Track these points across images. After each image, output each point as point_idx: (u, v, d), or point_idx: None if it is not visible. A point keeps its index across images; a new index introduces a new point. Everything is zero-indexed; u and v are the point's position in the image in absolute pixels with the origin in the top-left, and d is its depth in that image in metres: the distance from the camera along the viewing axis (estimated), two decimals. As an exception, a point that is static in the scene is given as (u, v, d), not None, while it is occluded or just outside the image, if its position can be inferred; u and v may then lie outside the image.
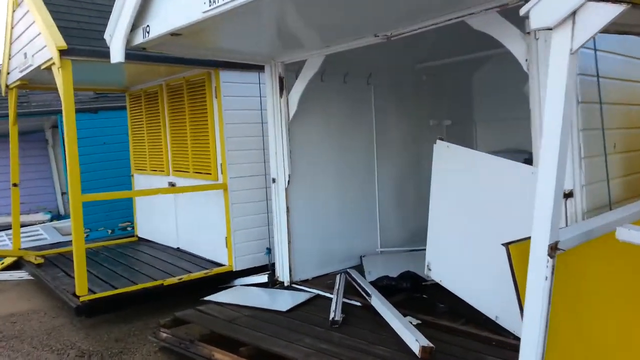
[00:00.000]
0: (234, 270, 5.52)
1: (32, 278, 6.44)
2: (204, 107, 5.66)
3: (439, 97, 6.61)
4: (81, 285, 4.64)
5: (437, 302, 4.18)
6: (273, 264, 5.29)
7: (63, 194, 10.66)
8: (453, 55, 5.95)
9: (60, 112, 8.68)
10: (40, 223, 9.59)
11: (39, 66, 5.15)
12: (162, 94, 6.50)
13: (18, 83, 6.11)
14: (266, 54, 4.82)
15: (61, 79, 4.58)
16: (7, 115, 8.09)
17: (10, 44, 6.12)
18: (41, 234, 8.68)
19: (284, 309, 4.26)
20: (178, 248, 6.61)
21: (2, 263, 6.59)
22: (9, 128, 6.62)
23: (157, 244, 7.04)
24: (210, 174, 5.70)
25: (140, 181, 7.37)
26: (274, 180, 5.09)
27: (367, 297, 4.29)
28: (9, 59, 6.22)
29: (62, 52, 4.58)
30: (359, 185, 5.73)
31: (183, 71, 5.88)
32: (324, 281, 5.10)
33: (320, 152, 5.36)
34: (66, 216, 10.46)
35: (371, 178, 5.88)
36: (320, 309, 4.28)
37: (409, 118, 6.24)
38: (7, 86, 6.50)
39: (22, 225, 9.81)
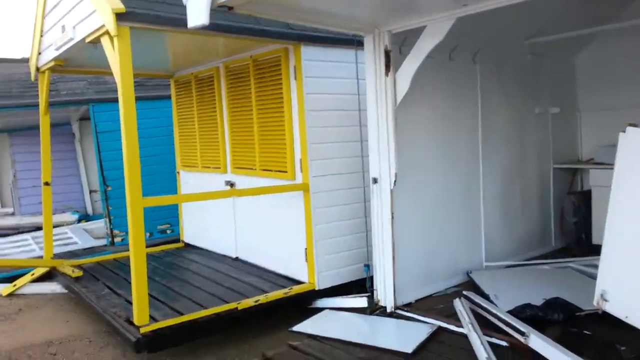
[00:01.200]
0: (316, 289, 4.55)
1: (66, 291, 5.52)
2: (278, 92, 4.67)
3: (543, 80, 5.58)
4: (141, 312, 3.67)
5: (614, 343, 3.18)
6: (370, 283, 4.29)
7: (91, 192, 9.76)
8: (565, 30, 4.93)
9: (93, 101, 7.85)
10: (68, 224, 8.70)
11: (83, 39, 4.19)
12: (218, 78, 5.52)
13: (52, 64, 5.15)
14: (368, 19, 3.81)
15: (117, 52, 3.62)
16: (32, 105, 7.20)
17: (43, 17, 5.17)
18: (71, 237, 7.78)
19: (409, 350, 3.27)
20: (237, 258, 5.64)
21: (32, 274, 5.67)
22: (40, 118, 5.67)
23: (208, 252, 6.08)
24: (285, 171, 4.71)
25: (189, 179, 6.40)
26: (374, 181, 4.09)
27: (514, 333, 3.29)
28: (41, 35, 5.27)
29: (119, 17, 3.60)
30: (463, 185, 4.73)
31: (250, 49, 4.89)
32: (431, 305, 4.13)
33: (426, 147, 4.38)
34: (95, 216, 9.57)
35: (474, 177, 4.87)
36: (455, 351, 3.29)
37: (512, 105, 5.22)
38: (37, 69, 5.55)
39: (48, 227, 8.98)
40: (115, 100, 7.82)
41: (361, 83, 4.31)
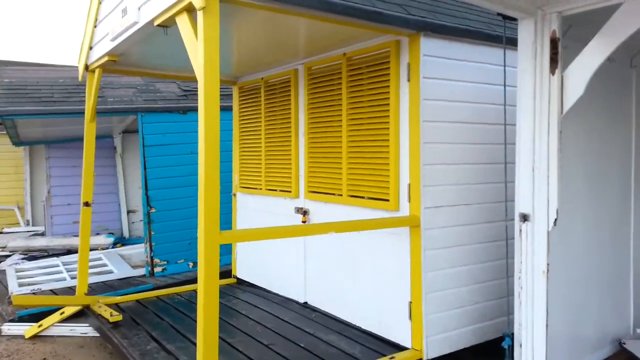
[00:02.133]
0: (424, 358, 3.40)
1: (98, 335, 4.53)
2: (382, 97, 3.66)
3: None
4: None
5: None
6: (510, 357, 3.13)
7: (129, 212, 8.91)
8: None
9: (142, 110, 6.82)
10: (103, 248, 7.81)
11: (151, 21, 3.28)
12: (296, 82, 4.57)
13: (104, 60, 4.31)
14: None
15: (202, 33, 2.64)
16: (74, 113, 6.42)
17: (100, 2, 4.36)
18: (105, 265, 6.86)
19: None
20: (305, 304, 4.55)
21: (62, 312, 4.70)
22: (85, 126, 4.79)
23: (268, 292, 5.01)
24: (385, 199, 3.64)
25: (248, 203, 5.40)
26: (524, 218, 2.98)
27: None
28: (95, 26, 4.45)
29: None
30: (612, 228, 3.59)
31: (343, 44, 3.93)
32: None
33: (575, 175, 3.27)
34: (132, 240, 8.68)
35: (625, 218, 3.71)
36: None
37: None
38: (86, 67, 4.73)
39: (81, 250, 8.11)
40: (167, 111, 7.16)
41: (496, 89, 3.26)
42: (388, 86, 3.61)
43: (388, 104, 3.61)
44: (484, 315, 3.69)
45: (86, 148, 4.80)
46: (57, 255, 7.71)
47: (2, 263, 7.55)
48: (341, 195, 4.05)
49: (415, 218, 3.43)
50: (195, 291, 5.13)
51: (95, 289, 5.83)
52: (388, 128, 3.61)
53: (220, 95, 7.47)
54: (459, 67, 3.55)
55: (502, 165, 3.34)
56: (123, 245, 8.19)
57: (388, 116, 3.61)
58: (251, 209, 5.34)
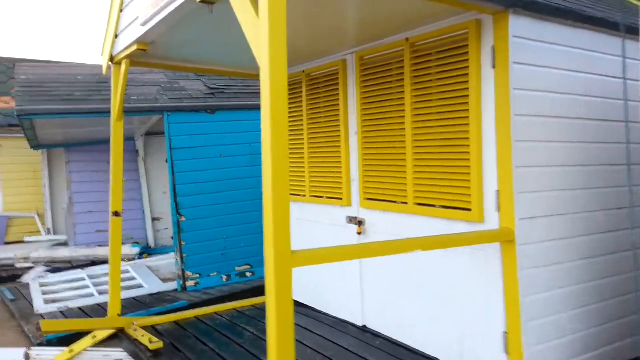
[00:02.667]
0: (524, 399, 2.86)
1: (133, 361, 4.08)
2: (459, 88, 3.09)
3: None
4: None
5: None
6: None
7: (154, 220, 8.48)
8: None
9: (168, 109, 5.92)
10: (129, 260, 7.38)
11: None
12: (344, 74, 4.03)
13: (133, 49, 3.80)
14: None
15: (268, 5, 2.08)
16: (97, 112, 5.94)
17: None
18: (134, 279, 6.42)
19: None
20: (364, 327, 4.03)
21: (94, 337, 4.24)
22: (111, 125, 4.31)
23: (317, 312, 4.50)
24: (466, 209, 3.09)
25: (292, 212, 4.86)
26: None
27: None
28: (121, 10, 3.94)
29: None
30: None
31: (404, 29, 3.37)
32: None
33: None
34: (158, 249, 8.25)
35: None
36: None
37: None
38: (111, 59, 4.24)
39: (105, 262, 7.71)
40: (194, 110, 6.61)
41: (606, 81, 2.68)
42: (466, 74, 3.04)
43: (467, 95, 3.05)
44: (601, 340, 3.13)
45: (114, 150, 4.32)
46: (82, 267, 7.32)
47: (25, 276, 7.18)
48: (406, 203, 3.51)
49: (509, 231, 2.87)
50: (237, 311, 4.65)
51: (125, 306, 5.39)
52: (467, 124, 3.05)
53: (250, 93, 6.90)
54: (558, 53, 2.96)
55: (621, 167, 2.76)
56: (149, 255, 7.76)
57: (467, 110, 3.05)
58: (294, 219, 4.81)
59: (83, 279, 6.44)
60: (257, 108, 6.74)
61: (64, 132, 7.33)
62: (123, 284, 6.23)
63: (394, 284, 3.71)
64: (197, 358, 3.52)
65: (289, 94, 4.75)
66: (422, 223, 3.40)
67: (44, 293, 5.88)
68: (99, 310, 5.31)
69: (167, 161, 8.42)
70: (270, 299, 2.08)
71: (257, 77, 4.99)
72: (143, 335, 3.80)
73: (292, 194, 4.80)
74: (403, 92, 3.47)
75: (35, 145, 7.97)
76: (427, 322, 3.45)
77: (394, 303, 3.73)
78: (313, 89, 4.41)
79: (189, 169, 6.06)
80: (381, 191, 3.73)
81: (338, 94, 4.07)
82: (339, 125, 4.09)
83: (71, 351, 4.22)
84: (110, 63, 4.30)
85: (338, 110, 4.08)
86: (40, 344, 4.41)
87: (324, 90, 4.27)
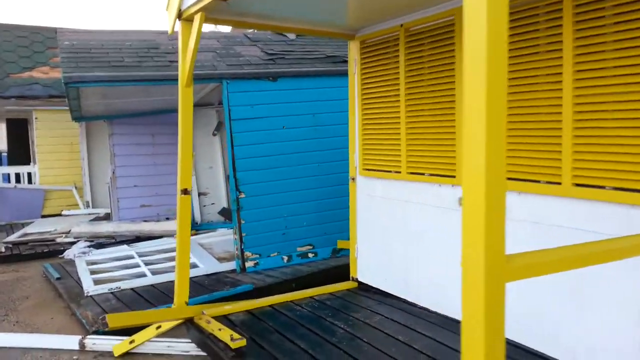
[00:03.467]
0: None
1: (204, 354, 3.59)
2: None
3: None
4: None
5: None
6: None
7: (200, 194, 7.97)
8: None
9: (227, 77, 5.26)
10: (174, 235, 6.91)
11: None
12: (461, 26, 3.37)
13: (208, 1, 3.23)
14: None
15: None
16: (149, 80, 5.41)
17: None
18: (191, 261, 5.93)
19: None
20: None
21: (158, 327, 3.76)
22: (179, 92, 3.77)
23: (407, 303, 3.93)
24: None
25: (375, 190, 4.27)
26: None
27: None
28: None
29: None
30: None
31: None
32: None
33: None
34: (204, 225, 7.76)
35: None
36: None
37: None
38: (179, 14, 3.67)
39: (151, 237, 7.27)
40: (255, 77, 5.62)
41: None
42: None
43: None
44: None
45: (182, 121, 3.79)
46: (126, 242, 6.90)
47: (67, 251, 6.79)
48: (559, 183, 2.81)
49: None
50: (314, 299, 4.12)
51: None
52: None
53: (312, 59, 6.22)
54: None
55: None
56: (198, 232, 7.29)
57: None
58: (378, 198, 4.23)
59: (132, 257, 5.99)
60: (321, 75, 6.13)
61: (108, 102, 6.83)
62: (174, 263, 5.77)
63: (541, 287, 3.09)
64: (286, 359, 2.99)
65: (380, 55, 4.13)
66: (586, 209, 2.68)
67: (92, 272, 5.44)
68: (153, 292, 4.86)
69: (214, 134, 8.00)
70: (471, 326, 1.48)
71: (347, 37, 4.40)
72: (220, 330, 3.29)
73: (378, 170, 4.20)
74: (558, 42, 2.76)
75: (78, 117, 7.51)
76: (581, 332, 2.82)
77: (519, 298, 3.12)
78: (415, 45, 3.76)
79: (249, 141, 5.50)
80: (520, 167, 3.00)
81: (454, 50, 3.42)
82: (453, 89, 3.45)
83: (132, 342, 3.76)
84: (177, 20, 3.73)
85: (453, 70, 3.43)
86: (96, 332, 3.95)
87: (432, 47, 3.61)
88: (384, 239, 4.19)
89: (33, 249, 7.01)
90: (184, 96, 3.76)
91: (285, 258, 5.66)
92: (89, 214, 9.09)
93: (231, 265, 5.58)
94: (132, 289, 4.95)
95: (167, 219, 7.75)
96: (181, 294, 3.70)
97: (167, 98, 7.13)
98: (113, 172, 7.53)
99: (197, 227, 7.54)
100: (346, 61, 6.33)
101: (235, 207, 5.43)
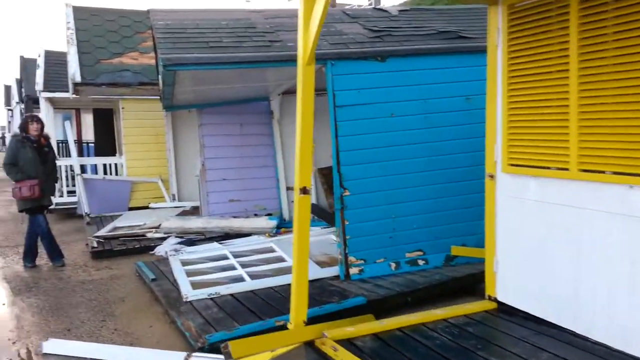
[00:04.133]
0: None
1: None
2: None
3: None
4: None
5: None
6: None
7: (288, 189, 7.51)
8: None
9: (332, 57, 4.56)
10: (270, 235, 6.47)
11: None
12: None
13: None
14: None
15: None
16: (254, 61, 4.81)
17: None
18: (283, 260, 5.51)
19: None
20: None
21: (273, 351, 3.23)
22: (299, 72, 3.17)
23: (574, 336, 3.11)
24: None
25: (526, 191, 3.43)
26: None
27: None
28: None
29: None
30: None
31: None
32: None
33: None
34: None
35: None
36: None
37: None
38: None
39: (239, 235, 6.88)
40: (362, 57, 4.54)
41: None
42: None
43: None
44: None
45: (303, 105, 3.19)
46: (216, 239, 6.54)
47: (158, 247, 6.56)
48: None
49: None
50: (448, 322, 3.41)
51: (282, 294, 4.43)
52: None
53: (424, 35, 5.40)
54: None
55: None
56: (286, 230, 6.82)
57: None
58: (531, 201, 3.41)
59: (226, 257, 5.59)
60: (437, 53, 5.28)
61: (199, 89, 6.44)
62: (271, 266, 5.32)
63: None
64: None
65: (537, 22, 3.29)
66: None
67: (188, 274, 5.08)
68: (255, 300, 4.39)
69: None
70: None
71: (486, 1, 3.60)
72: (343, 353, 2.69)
73: (531, 167, 3.38)
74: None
75: (168, 105, 7.21)
76: None
77: None
78: (592, 7, 2.90)
79: (355, 131, 4.86)
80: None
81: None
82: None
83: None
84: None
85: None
86: (201, 349, 3.51)
87: (615, 8, 2.74)
88: (540, 254, 3.36)
89: (124, 245, 6.86)
90: (306, 76, 3.15)
91: (393, 265, 4.99)
92: (175, 207, 8.93)
93: (333, 270, 5.00)
94: (231, 294, 4.52)
95: (255, 215, 7.34)
96: (299, 311, 3.15)
97: (256, 85, 6.66)
98: (202, 165, 7.21)
99: (285, 225, 7.07)
100: (461, 37, 5.53)
101: (339, 207, 4.82)
